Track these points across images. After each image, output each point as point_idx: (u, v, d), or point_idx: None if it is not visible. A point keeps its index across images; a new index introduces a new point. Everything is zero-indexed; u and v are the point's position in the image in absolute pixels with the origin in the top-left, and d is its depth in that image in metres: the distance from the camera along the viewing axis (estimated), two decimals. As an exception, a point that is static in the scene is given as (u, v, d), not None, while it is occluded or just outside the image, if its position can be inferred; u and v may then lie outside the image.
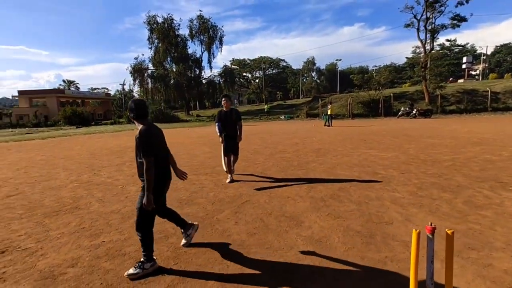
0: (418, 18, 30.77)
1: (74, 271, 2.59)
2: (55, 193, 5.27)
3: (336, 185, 5.01)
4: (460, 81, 46.89)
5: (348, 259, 2.62)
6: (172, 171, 2.87)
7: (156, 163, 2.48)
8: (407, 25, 32.05)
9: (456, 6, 29.96)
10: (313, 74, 78.66)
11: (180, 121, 38.84)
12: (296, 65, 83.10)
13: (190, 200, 4.52)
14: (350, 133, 14.42)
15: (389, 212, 3.68)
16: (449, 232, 1.69)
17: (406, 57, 59.78)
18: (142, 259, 2.54)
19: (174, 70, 45.32)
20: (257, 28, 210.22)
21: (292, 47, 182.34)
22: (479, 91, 29.95)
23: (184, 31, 56.22)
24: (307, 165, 6.81)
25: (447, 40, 59.71)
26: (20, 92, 54.77)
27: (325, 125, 20.26)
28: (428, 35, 31.29)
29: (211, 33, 45.36)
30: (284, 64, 76.16)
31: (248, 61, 72.70)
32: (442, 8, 29.79)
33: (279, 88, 74.53)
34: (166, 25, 43.79)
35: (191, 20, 45.27)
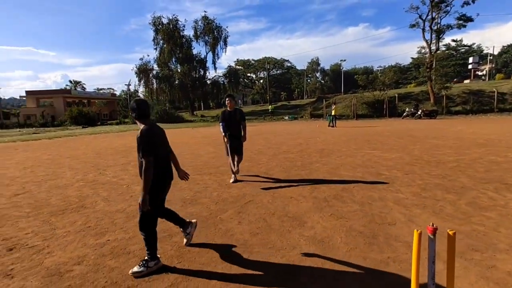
0: (424, 18, 30.53)
1: (80, 268, 2.64)
2: (61, 192, 5.35)
3: (339, 186, 5.01)
4: (466, 81, 46.44)
5: (350, 259, 2.63)
6: (174, 171, 2.89)
7: (156, 163, 2.49)
8: (412, 26, 31.79)
9: (462, 6, 29.68)
10: (318, 74, 78.44)
11: (184, 121, 39.02)
12: (301, 65, 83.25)
13: (194, 200, 4.56)
14: (354, 134, 14.37)
15: (392, 213, 3.68)
16: (450, 232, 1.70)
17: (411, 58, 59.54)
18: (146, 258, 2.57)
19: (179, 70, 45.55)
20: (261, 28, 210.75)
21: (297, 48, 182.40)
22: (486, 91, 29.61)
23: (189, 32, 56.89)
24: (311, 166, 6.81)
25: (453, 40, 59.20)
26: (27, 92, 55.48)
27: (329, 125, 20.21)
28: (434, 35, 30.97)
29: (215, 34, 45.51)
30: (289, 64, 76.11)
31: (253, 62, 72.75)
32: (448, 8, 29.50)
33: (283, 89, 74.51)
34: (171, 26, 44.01)
35: (195, 21, 45.49)
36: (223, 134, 5.49)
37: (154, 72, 45.83)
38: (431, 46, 31.39)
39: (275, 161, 7.56)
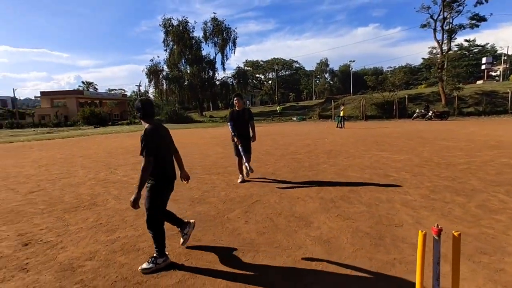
0: (435, 18, 30.02)
1: (91, 264, 2.73)
2: (74, 190, 5.50)
3: (347, 187, 5.00)
4: (479, 82, 45.43)
5: (356, 260, 2.64)
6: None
7: (156, 163, 2.53)
8: (423, 26, 31.35)
9: (475, 6, 29.09)
10: (326, 75, 78.09)
11: (193, 121, 39.36)
12: (309, 66, 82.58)
13: (202, 199, 4.63)
14: (362, 135, 14.25)
15: (400, 215, 3.66)
16: (455, 234, 1.69)
17: (422, 58, 58.61)
18: (155, 255, 2.64)
19: (188, 71, 46.01)
20: (270, 29, 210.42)
21: (305, 49, 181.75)
22: (499, 92, 28.93)
23: (198, 33, 57.32)
24: (318, 167, 6.81)
25: (466, 40, 58.00)
26: (42, 93, 56.94)
27: (337, 126, 20.10)
28: (445, 35, 30.39)
29: (224, 35, 45.86)
30: (297, 65, 75.87)
31: (261, 63, 72.85)
32: (460, 7, 28.91)
33: (292, 90, 74.32)
34: (181, 28, 44.55)
35: (205, 23, 45.99)
36: (233, 134, 5.49)
37: (164, 73, 46.47)
38: (443, 46, 30.83)
39: (283, 162, 7.58)
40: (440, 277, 1.73)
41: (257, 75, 74.64)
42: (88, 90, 69.76)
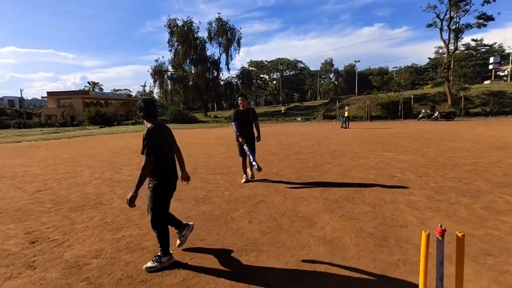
0: (441, 17, 29.74)
1: (97, 262, 2.77)
2: (80, 189, 5.57)
3: (351, 187, 4.99)
4: (487, 82, 44.87)
5: (360, 260, 2.63)
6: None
7: (158, 163, 2.54)
8: (430, 25, 31.06)
9: (483, 5, 28.71)
10: (331, 75, 77.66)
11: (198, 122, 39.52)
12: (314, 66, 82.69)
13: (206, 199, 4.65)
14: (367, 135, 14.18)
15: (404, 215, 3.65)
16: (459, 234, 1.69)
17: (428, 58, 58.02)
18: (159, 253, 2.66)
19: (193, 72, 46.20)
20: (274, 29, 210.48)
21: (310, 49, 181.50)
22: (507, 92, 28.58)
23: (203, 34, 57.50)
24: (322, 167, 6.80)
25: (473, 40, 57.21)
26: (48, 93, 57.61)
27: (342, 127, 20.02)
28: (452, 35, 30.06)
29: (229, 35, 45.91)
30: (302, 65, 75.65)
31: (266, 63, 72.80)
32: (467, 7, 28.56)
33: (296, 90, 74.12)
34: (185, 28, 44.70)
35: (209, 23, 46.08)
36: (238, 134, 5.48)
37: (169, 73, 46.65)
38: (449, 46, 30.50)
39: (287, 162, 7.58)
40: (444, 278, 1.72)
41: (262, 75, 74.58)
42: (94, 90, 70.30)
